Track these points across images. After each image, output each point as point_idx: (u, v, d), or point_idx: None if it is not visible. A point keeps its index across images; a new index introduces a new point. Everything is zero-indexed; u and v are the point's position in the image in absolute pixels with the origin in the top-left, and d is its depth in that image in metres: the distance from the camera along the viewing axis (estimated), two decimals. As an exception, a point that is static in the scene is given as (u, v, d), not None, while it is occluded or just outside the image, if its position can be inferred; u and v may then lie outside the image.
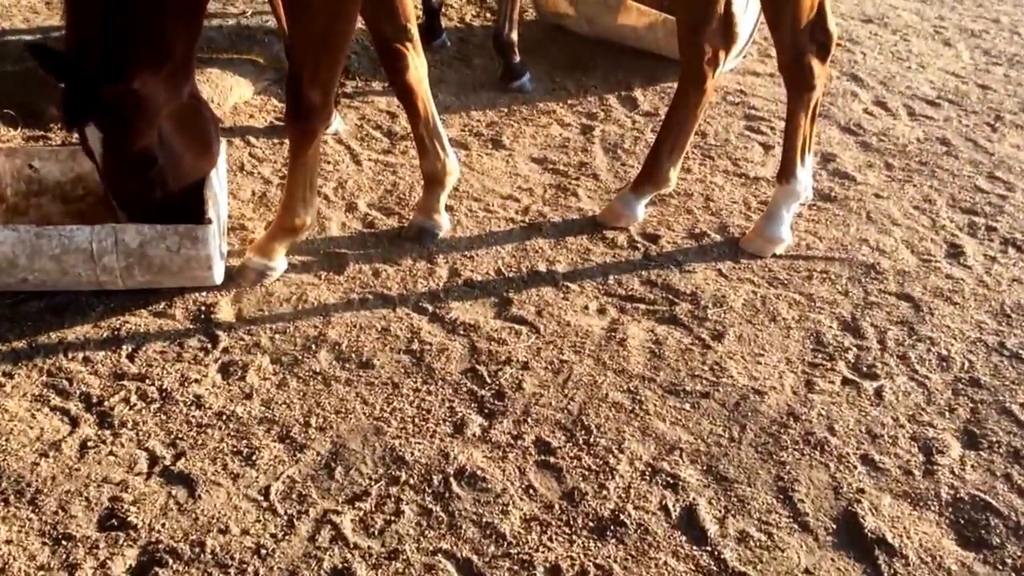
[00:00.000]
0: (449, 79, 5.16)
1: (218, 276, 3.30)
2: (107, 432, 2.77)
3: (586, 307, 3.45)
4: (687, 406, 3.01)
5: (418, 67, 3.54)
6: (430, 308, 3.39)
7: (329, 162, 4.27)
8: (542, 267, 3.65)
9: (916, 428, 2.97)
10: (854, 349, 3.30)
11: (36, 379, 2.95)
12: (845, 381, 3.16)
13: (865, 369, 3.21)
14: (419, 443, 2.81)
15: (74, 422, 2.80)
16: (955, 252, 3.87)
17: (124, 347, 3.10)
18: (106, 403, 2.87)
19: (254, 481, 2.64)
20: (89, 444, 2.72)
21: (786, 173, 3.72)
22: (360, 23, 3.37)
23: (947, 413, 3.04)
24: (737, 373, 3.16)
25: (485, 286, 3.53)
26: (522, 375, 3.10)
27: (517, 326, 3.33)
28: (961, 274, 3.72)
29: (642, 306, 3.47)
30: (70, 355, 3.05)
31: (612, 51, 5.45)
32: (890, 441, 2.92)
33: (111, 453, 2.70)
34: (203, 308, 3.30)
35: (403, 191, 4.08)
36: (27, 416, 2.81)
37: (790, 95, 3.63)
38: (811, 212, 4.09)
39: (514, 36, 5.02)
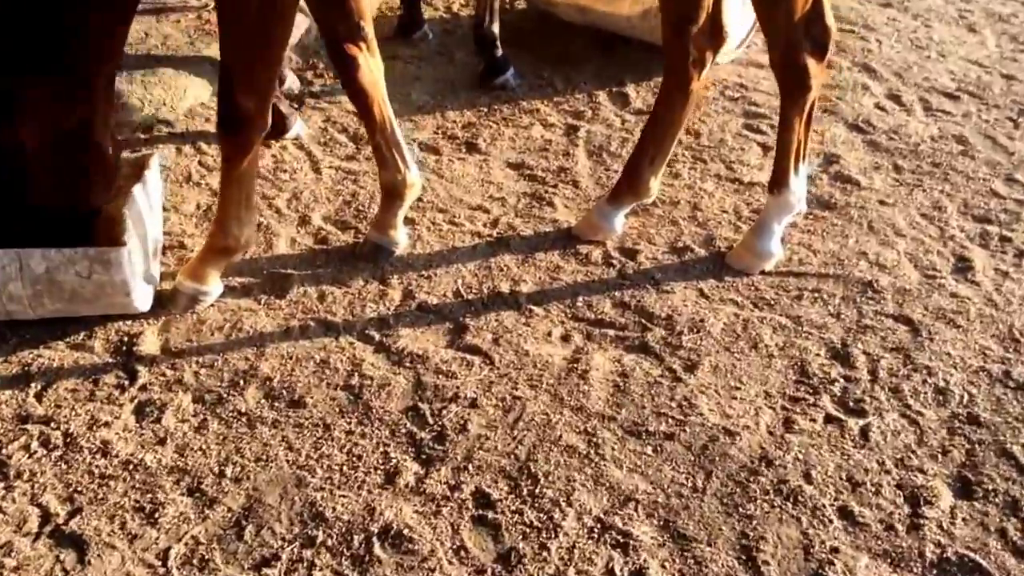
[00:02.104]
0: (426, 76, 4.92)
1: (141, 303, 3.10)
2: None
3: (549, 334, 3.20)
4: (648, 449, 2.76)
5: (373, 69, 3.30)
6: (376, 336, 3.16)
7: (286, 170, 4.05)
8: (505, 287, 3.40)
9: (903, 474, 2.70)
10: (841, 381, 3.03)
11: (-66, 422, 2.77)
12: (828, 418, 2.89)
13: (852, 404, 2.94)
14: (344, 496, 2.58)
15: (-33, 473, 2.61)
16: (963, 266, 3.57)
17: (33, 385, 2.91)
18: (3, 451, 2.68)
19: (153, 543, 2.43)
20: (-21, 499, 2.53)
21: (778, 182, 3.44)
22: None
23: (939, 456, 2.77)
24: (708, 410, 2.90)
25: (440, 310, 3.30)
26: (468, 414, 2.86)
27: (470, 356, 3.09)
28: (968, 292, 3.43)
29: (611, 332, 3.22)
30: (-25, 394, 2.87)
31: (605, 43, 5.17)
32: (872, 490, 2.65)
33: (0, 510, 2.51)
34: (126, 339, 3.10)
35: (363, 202, 3.85)
36: (-83, 466, 2.63)
37: (783, 97, 3.35)
38: (807, 222, 3.80)
39: (495, 29, 4.76)
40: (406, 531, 2.48)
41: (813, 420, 2.88)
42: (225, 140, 3.05)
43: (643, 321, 3.26)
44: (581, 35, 5.26)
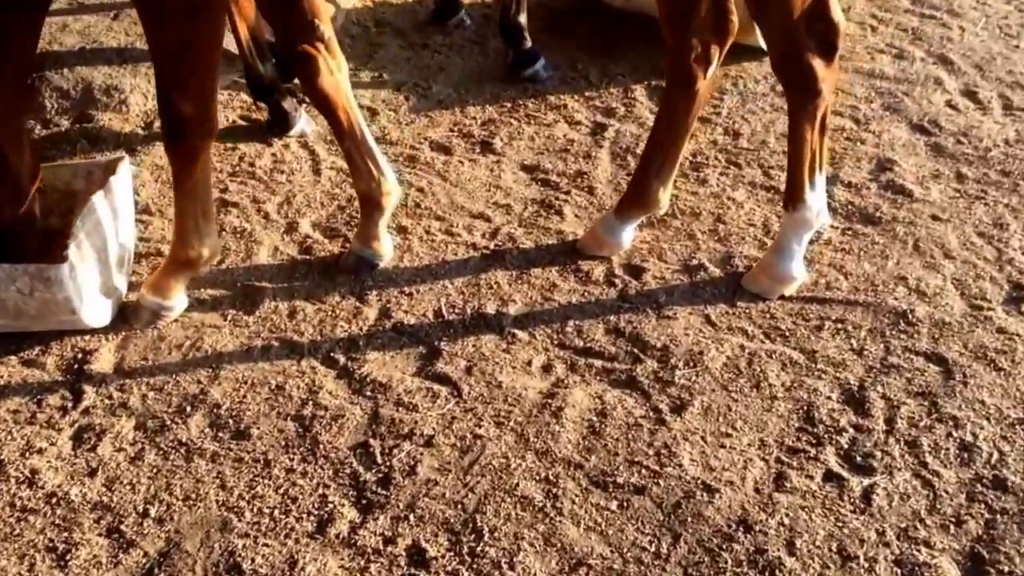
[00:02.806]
0: (453, 67, 4.67)
1: (92, 319, 2.95)
2: (-86, 516, 2.47)
3: (529, 363, 2.94)
4: (613, 505, 2.48)
5: (334, 71, 3.08)
6: (342, 360, 2.96)
7: (283, 171, 3.87)
8: (491, 308, 3.15)
9: (905, 548, 2.35)
10: (851, 431, 2.68)
11: None
12: (828, 475, 2.55)
13: (859, 459, 2.59)
14: (267, 545, 2.39)
15: None
16: (1018, 296, 3.15)
17: (-19, 402, 2.80)
18: (-77, 479, 2.57)
19: (51, 591, 2.28)
20: None
21: (793, 198, 3.09)
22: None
23: (952, 527, 2.41)
24: (689, 460, 2.60)
25: (416, 332, 3.07)
26: (421, 454, 2.63)
27: (437, 386, 2.86)
28: (1018, 327, 3.02)
29: (597, 363, 2.93)
30: (-88, 413, 2.77)
31: (648, 31, 4.83)
32: (865, 566, 2.31)
33: (-96, 545, 2.39)
34: (80, 355, 2.97)
35: (358, 208, 3.64)
36: None
37: (789, 102, 3.00)
38: (844, 239, 3.43)
39: (522, 18, 4.48)
40: (324, 591, 2.27)
41: (810, 477, 2.55)
42: (171, 150, 2.89)
43: (636, 351, 2.97)
44: (621, 21, 4.92)
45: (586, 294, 3.22)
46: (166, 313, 3.09)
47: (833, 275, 3.26)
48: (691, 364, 2.91)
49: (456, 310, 3.15)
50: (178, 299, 3.10)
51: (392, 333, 3.07)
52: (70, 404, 2.81)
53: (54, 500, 2.52)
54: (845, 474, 2.55)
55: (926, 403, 2.76)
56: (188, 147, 2.85)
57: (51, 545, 2.40)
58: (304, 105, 4.21)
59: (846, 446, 2.64)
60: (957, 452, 2.61)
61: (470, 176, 3.85)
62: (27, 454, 2.65)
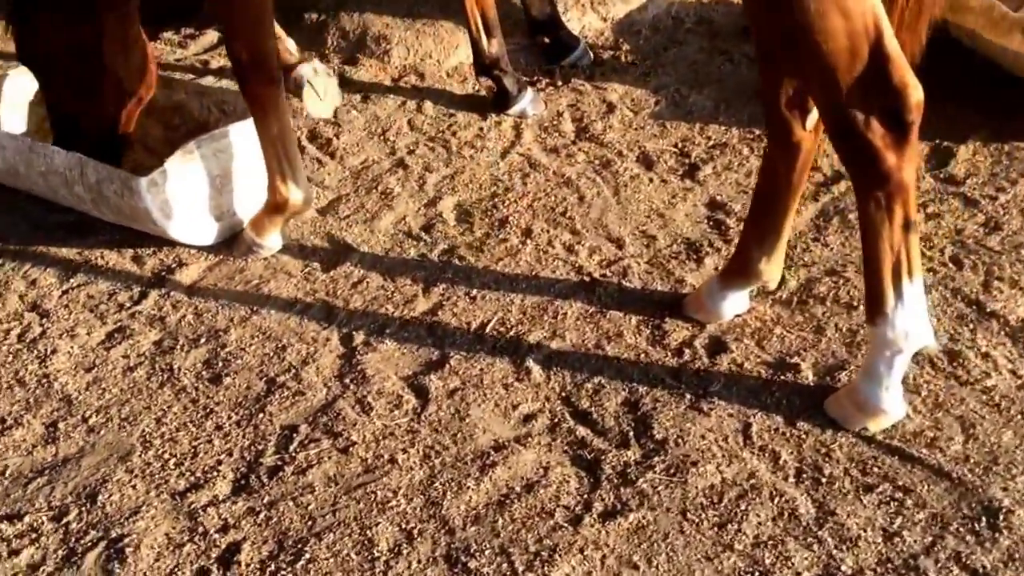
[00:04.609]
0: (730, 80, 4.20)
1: (181, 234, 3.20)
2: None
3: (515, 406, 2.65)
4: (445, 586, 2.19)
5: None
6: (357, 341, 2.91)
7: (474, 147, 3.82)
8: (534, 337, 2.87)
9: None
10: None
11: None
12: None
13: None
14: (133, 487, 2.46)
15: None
16: None
17: (74, 279, 3.19)
18: (-27, 327, 3.01)
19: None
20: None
21: (872, 311, 2.39)
22: None
23: None
24: (561, 574, 2.19)
25: (443, 337, 2.90)
26: (328, 457, 2.52)
27: (409, 396, 2.70)
28: None
29: (582, 431, 2.55)
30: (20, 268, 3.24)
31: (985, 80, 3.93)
32: None
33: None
34: (173, 264, 3.25)
35: (507, 206, 3.48)
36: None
37: (856, 189, 2.30)
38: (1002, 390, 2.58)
39: (549, 9, 4.22)
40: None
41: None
42: (243, 96, 3.05)
43: (631, 434, 2.53)
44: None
45: (641, 356, 2.79)
46: (257, 249, 3.25)
47: (951, 431, 2.47)
48: (673, 472, 2.42)
49: (499, 328, 2.92)
50: (270, 239, 3.24)
51: (423, 330, 2.94)
52: (130, 304, 3.10)
53: (45, 381, 2.82)
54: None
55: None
56: (252, 93, 2.99)
57: (5, 415, 2.70)
58: (532, 85, 4.09)
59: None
60: None
61: (645, 197, 3.48)
62: (65, 335, 2.98)
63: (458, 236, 3.33)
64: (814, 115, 2.51)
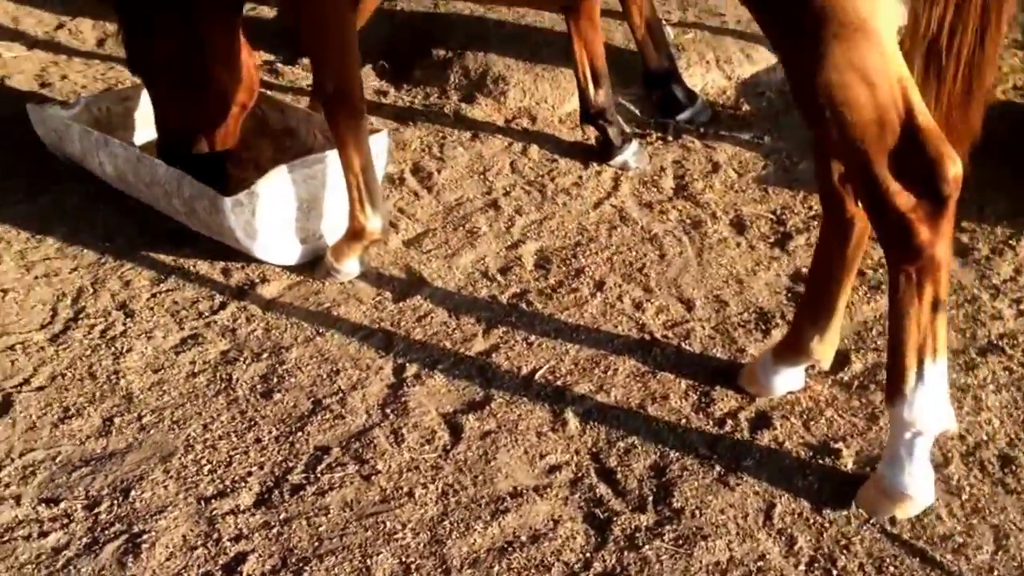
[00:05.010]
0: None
1: (264, 253, 3.36)
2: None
3: (543, 455, 2.65)
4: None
5: None
6: (408, 373, 2.97)
7: (569, 194, 3.85)
8: (581, 389, 2.87)
9: None
10: None
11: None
12: None
13: None
14: (165, 487, 2.60)
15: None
16: None
17: (166, 282, 3.39)
18: (64, 321, 3.24)
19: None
20: None
21: (892, 390, 2.29)
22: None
23: None
24: (547, 632, 2.18)
25: (491, 378, 2.93)
26: (351, 482, 2.58)
27: (443, 432, 2.74)
28: None
29: (602, 488, 2.53)
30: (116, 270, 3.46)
31: None
32: None
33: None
34: (256, 279, 3.40)
35: (578, 251, 3.50)
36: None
37: (888, 263, 2.20)
38: None
39: (667, 63, 4.16)
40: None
41: None
42: (328, 124, 3.18)
43: (649, 499, 2.49)
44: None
45: (682, 421, 2.75)
46: (335, 274, 3.37)
47: (983, 539, 2.32)
48: (681, 543, 2.37)
49: (548, 376, 2.94)
50: (347, 265, 3.36)
51: (474, 369, 2.98)
52: (208, 313, 3.27)
53: (114, 377, 3.00)
54: None
55: None
56: (335, 123, 3.15)
57: (70, 405, 2.89)
58: (641, 137, 4.08)
59: None
60: None
61: (728, 261, 3.43)
62: (142, 336, 3.17)
63: (532, 281, 3.36)
64: (866, 191, 2.43)
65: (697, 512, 2.45)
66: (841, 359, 2.93)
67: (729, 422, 2.74)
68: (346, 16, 3.07)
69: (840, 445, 2.63)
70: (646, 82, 4.33)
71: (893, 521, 2.37)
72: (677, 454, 2.64)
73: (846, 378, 2.88)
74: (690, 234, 3.59)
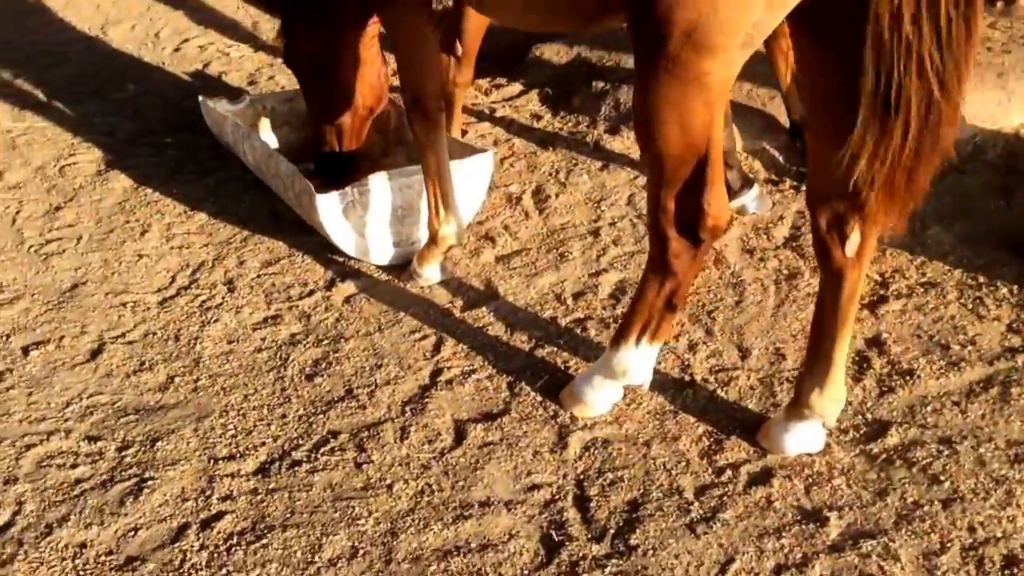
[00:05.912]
0: (980, 216, 3.78)
1: (356, 251, 3.59)
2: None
3: (534, 488, 2.70)
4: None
5: None
6: (448, 376, 3.10)
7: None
8: (602, 433, 2.88)
9: None
10: None
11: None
12: None
13: None
14: (186, 457, 2.87)
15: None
16: None
17: (269, 268, 3.69)
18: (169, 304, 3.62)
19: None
20: None
21: (617, 337, 2.77)
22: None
23: None
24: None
25: (517, 399, 3.01)
26: (345, 476, 2.75)
27: (447, 435, 2.85)
28: None
29: (562, 515, 2.55)
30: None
31: None
32: None
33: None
34: (352, 272, 3.64)
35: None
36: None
37: (648, 261, 2.70)
38: None
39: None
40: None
41: None
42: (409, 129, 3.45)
43: (609, 531, 2.48)
44: None
45: (680, 464, 2.70)
46: (417, 278, 3.56)
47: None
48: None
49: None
50: (428, 270, 3.53)
51: (503, 382, 3.06)
52: (296, 297, 3.54)
53: (193, 342, 3.33)
54: None
55: None
56: (413, 130, 3.37)
57: (147, 360, 3.24)
58: (771, 187, 3.98)
59: None
60: None
61: (806, 316, 3.28)
62: (232, 310, 3.48)
63: (599, 309, 3.40)
64: (854, 240, 2.37)
65: (651, 552, 2.42)
66: (879, 429, 2.79)
67: (728, 473, 2.67)
68: (421, 32, 3.25)
69: (832, 514, 2.50)
70: (791, 132, 4.23)
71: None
72: (660, 495, 2.61)
73: (876, 449, 2.72)
74: (780, 284, 3.49)
